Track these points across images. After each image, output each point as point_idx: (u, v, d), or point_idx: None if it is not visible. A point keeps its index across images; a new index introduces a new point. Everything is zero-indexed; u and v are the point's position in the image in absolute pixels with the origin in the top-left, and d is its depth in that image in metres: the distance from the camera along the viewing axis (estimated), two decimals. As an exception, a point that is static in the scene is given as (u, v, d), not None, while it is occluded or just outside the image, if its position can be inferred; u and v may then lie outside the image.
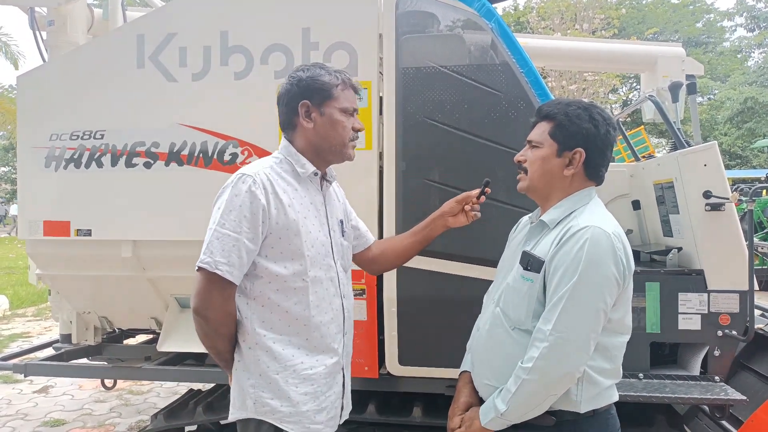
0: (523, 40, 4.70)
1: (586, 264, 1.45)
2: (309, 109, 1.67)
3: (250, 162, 2.67)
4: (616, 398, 1.60)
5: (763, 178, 11.84)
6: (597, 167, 1.63)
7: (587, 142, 1.59)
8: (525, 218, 1.84)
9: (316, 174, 1.73)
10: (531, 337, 1.52)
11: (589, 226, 1.49)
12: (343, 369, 1.77)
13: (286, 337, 1.64)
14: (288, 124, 1.72)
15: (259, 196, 1.57)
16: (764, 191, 11.11)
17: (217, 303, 1.57)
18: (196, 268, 1.56)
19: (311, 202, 1.70)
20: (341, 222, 1.83)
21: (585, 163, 1.60)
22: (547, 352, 1.46)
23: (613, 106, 14.15)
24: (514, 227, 1.88)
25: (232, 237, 1.54)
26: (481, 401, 1.68)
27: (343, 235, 1.83)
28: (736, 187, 10.06)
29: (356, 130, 1.73)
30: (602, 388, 1.54)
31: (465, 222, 1.93)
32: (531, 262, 1.57)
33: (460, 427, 1.65)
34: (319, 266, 1.68)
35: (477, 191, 1.90)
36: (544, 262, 1.53)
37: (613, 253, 1.47)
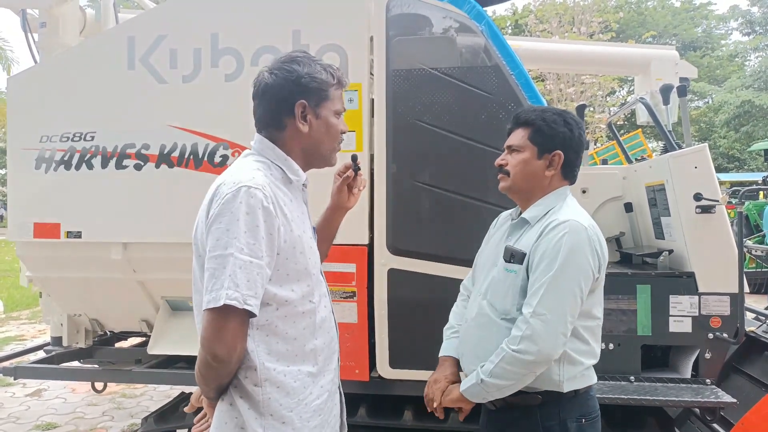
0: (517, 43, 4.71)
1: (565, 253, 1.59)
2: (305, 110, 1.48)
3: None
4: (594, 380, 1.73)
5: (759, 181, 11.84)
6: (572, 167, 1.78)
7: (564, 144, 1.73)
8: (504, 214, 1.95)
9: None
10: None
11: (569, 220, 1.63)
12: (339, 388, 1.65)
13: (295, 368, 1.44)
14: (274, 123, 1.50)
15: (273, 213, 1.36)
16: (761, 194, 11.09)
17: (241, 344, 1.34)
18: (219, 305, 1.27)
19: (302, 212, 1.54)
20: (314, 229, 1.67)
21: (562, 164, 1.74)
22: (530, 333, 1.56)
23: (611, 108, 14.13)
24: (494, 222, 1.98)
25: (256, 264, 1.31)
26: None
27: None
28: (734, 190, 10.05)
29: (343, 133, 1.58)
30: (582, 368, 1.67)
31: (356, 200, 1.78)
32: (514, 255, 1.69)
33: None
34: (320, 283, 1.54)
35: (350, 172, 1.74)
36: (526, 254, 1.66)
37: (589, 244, 1.62)
